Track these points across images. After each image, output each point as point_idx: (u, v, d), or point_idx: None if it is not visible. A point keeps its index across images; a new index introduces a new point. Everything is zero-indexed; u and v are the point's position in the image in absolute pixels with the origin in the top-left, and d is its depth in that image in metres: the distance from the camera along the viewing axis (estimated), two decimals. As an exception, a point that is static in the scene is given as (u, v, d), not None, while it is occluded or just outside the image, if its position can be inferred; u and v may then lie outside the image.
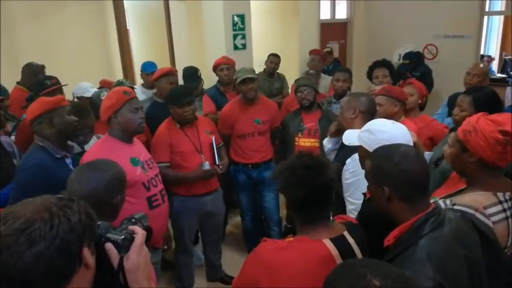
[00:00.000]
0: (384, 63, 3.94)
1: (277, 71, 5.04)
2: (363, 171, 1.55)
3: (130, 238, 0.98)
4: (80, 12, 5.20)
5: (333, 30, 6.85)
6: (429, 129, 3.00)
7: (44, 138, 2.25)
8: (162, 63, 4.59)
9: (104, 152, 2.16)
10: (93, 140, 2.74)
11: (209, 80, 4.36)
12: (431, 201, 1.43)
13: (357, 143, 1.76)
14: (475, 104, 2.43)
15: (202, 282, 3.50)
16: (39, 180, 2.07)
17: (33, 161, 2.19)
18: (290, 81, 4.80)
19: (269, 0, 6.22)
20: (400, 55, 6.16)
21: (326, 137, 3.29)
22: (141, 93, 4.01)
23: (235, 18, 4.71)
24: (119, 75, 5.34)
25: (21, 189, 2.10)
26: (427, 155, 2.40)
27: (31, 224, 0.79)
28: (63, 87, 3.46)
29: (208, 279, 3.52)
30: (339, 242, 1.41)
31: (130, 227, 1.02)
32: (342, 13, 7.06)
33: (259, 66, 5.08)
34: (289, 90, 4.85)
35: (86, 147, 2.68)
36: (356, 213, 2.04)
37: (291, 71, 5.74)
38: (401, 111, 2.84)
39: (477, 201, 1.55)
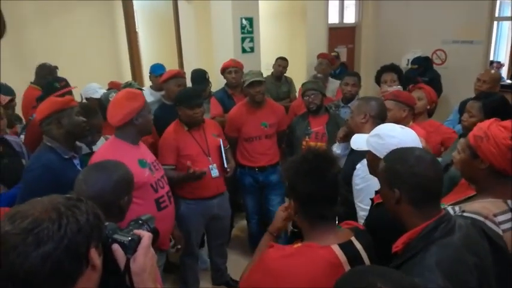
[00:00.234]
0: (393, 68, 3.93)
1: (284, 74, 5.04)
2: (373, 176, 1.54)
3: (137, 240, 0.98)
4: (88, 13, 5.24)
5: (341, 34, 6.84)
6: (438, 134, 2.98)
7: (53, 139, 2.26)
8: (171, 66, 4.60)
9: (113, 153, 2.16)
10: (101, 141, 2.75)
11: (217, 82, 4.37)
12: (440, 207, 1.41)
13: (365, 148, 1.75)
14: (485, 110, 2.42)
15: (208, 286, 3.49)
16: (47, 181, 2.08)
17: (41, 161, 2.20)
18: (297, 85, 4.80)
19: (277, 4, 6.22)
20: (408, 60, 6.13)
21: (333, 141, 3.29)
22: (149, 95, 4.03)
23: (244, 21, 4.72)
24: (127, 77, 5.37)
25: (29, 190, 2.11)
26: (436, 161, 2.37)
27: (39, 223, 0.79)
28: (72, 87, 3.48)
29: (213, 283, 3.51)
30: (347, 247, 1.40)
31: (136, 231, 1.01)
32: (350, 17, 7.04)
33: (267, 70, 5.08)
34: (297, 94, 4.85)
35: (94, 148, 2.69)
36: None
37: (298, 74, 5.73)
38: (409, 116, 2.82)
39: (487, 209, 1.53)
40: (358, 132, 2.09)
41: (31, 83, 4.00)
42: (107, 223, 0.98)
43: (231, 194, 3.39)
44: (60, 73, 4.03)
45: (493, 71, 3.79)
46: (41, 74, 3.98)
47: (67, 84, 3.46)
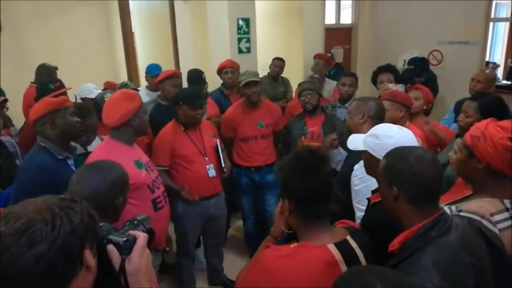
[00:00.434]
0: (389, 68, 3.93)
1: (281, 75, 5.04)
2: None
3: (132, 240, 0.97)
4: (85, 14, 5.22)
5: (338, 35, 6.85)
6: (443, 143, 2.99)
7: (47, 139, 2.24)
8: (167, 66, 4.59)
9: (109, 155, 2.14)
10: (96, 141, 2.74)
11: (213, 83, 4.36)
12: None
13: (362, 148, 1.74)
14: (481, 110, 2.42)
15: (204, 286, 3.48)
16: (41, 181, 2.06)
17: (34, 161, 2.18)
18: (294, 86, 4.80)
19: (274, 4, 6.22)
20: (405, 61, 6.14)
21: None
22: (145, 95, 4.01)
23: (240, 22, 4.72)
24: (123, 77, 5.36)
25: (22, 190, 2.09)
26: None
27: (32, 224, 0.78)
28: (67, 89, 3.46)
29: (209, 283, 3.50)
30: (343, 246, 1.39)
31: (131, 232, 1.01)
32: (346, 18, 7.05)
33: (263, 70, 5.08)
34: (293, 94, 4.84)
35: (89, 148, 2.67)
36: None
37: (295, 75, 5.73)
38: (406, 116, 2.82)
39: (484, 208, 1.53)
40: (356, 133, 2.08)
41: (31, 83, 3.99)
42: (101, 224, 0.97)
43: (228, 194, 3.39)
44: (57, 73, 4.02)
45: (487, 71, 3.80)
46: (40, 74, 3.97)
47: (62, 86, 3.44)
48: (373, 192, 1.71)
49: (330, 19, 6.72)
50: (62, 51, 4.74)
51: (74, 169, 2.24)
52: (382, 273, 0.95)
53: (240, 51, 4.79)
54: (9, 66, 4.16)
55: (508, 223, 1.52)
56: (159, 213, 2.36)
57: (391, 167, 1.36)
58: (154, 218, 2.27)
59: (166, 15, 5.35)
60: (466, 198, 1.68)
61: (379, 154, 1.55)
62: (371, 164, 1.67)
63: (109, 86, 3.81)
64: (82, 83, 3.76)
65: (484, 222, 1.48)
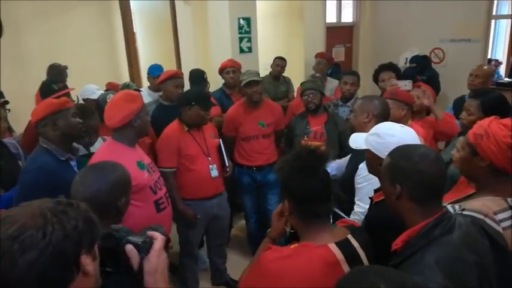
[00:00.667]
0: (390, 67, 3.92)
1: (283, 74, 5.03)
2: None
3: (149, 242, 1.01)
4: (86, 14, 5.24)
5: (339, 33, 6.84)
6: (431, 127, 3.01)
7: (49, 141, 2.23)
8: (168, 66, 4.60)
9: (111, 156, 2.13)
10: (99, 142, 2.74)
11: (215, 83, 4.36)
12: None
13: (364, 147, 1.74)
14: (483, 108, 2.42)
15: (207, 286, 3.48)
16: (43, 183, 2.06)
17: (37, 163, 2.18)
18: (296, 85, 4.80)
19: (275, 3, 6.21)
20: (406, 59, 6.12)
21: (332, 140, 3.29)
22: (147, 96, 4.02)
23: (241, 21, 4.71)
24: (125, 78, 5.36)
25: (25, 192, 2.09)
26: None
27: (24, 230, 0.78)
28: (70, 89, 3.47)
29: (213, 283, 3.50)
30: (344, 246, 1.39)
31: (150, 233, 1.04)
32: (348, 16, 7.04)
33: (265, 70, 5.07)
34: (295, 93, 4.84)
35: (92, 149, 2.67)
36: (362, 216, 2.04)
37: (296, 74, 5.73)
38: (408, 115, 2.82)
39: (487, 207, 1.52)
40: (361, 132, 2.08)
41: (43, 82, 4.01)
42: (119, 226, 1.00)
43: (230, 194, 3.39)
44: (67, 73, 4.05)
45: (485, 67, 3.80)
46: (51, 73, 3.99)
47: (64, 87, 3.45)
48: (376, 191, 1.71)
49: (331, 18, 6.71)
50: (63, 52, 4.75)
51: (77, 170, 2.24)
52: (385, 273, 0.95)
53: (241, 50, 4.78)
54: (9, 66, 4.17)
55: (511, 221, 1.51)
56: (161, 214, 2.35)
57: (395, 165, 1.35)
58: (157, 219, 2.30)
59: (168, 15, 5.35)
60: (469, 197, 1.68)
61: (382, 153, 1.55)
62: (373, 162, 1.67)
63: (111, 87, 3.82)
64: (84, 84, 3.77)
65: (488, 220, 1.48)
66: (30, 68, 4.10)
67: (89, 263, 0.86)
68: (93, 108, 2.88)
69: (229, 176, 3.24)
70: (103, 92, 3.56)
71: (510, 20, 6.42)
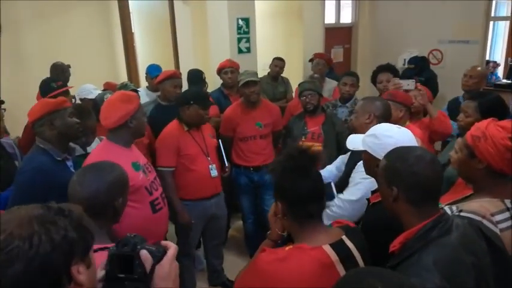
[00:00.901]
0: (388, 68, 3.92)
1: (281, 74, 5.03)
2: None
3: (162, 250, 1.03)
4: (84, 14, 5.23)
5: (338, 34, 6.84)
6: (429, 127, 3.01)
7: (45, 140, 2.22)
8: (167, 66, 4.59)
9: (106, 157, 2.12)
10: (96, 142, 2.73)
11: (213, 83, 4.36)
12: (436, 207, 1.40)
13: (361, 148, 1.74)
14: (481, 109, 2.41)
15: (204, 287, 3.47)
16: (39, 183, 2.05)
17: (33, 163, 2.16)
18: (294, 85, 4.79)
19: (274, 4, 6.21)
20: (405, 60, 6.13)
21: (329, 141, 3.29)
22: (145, 96, 4.02)
23: (240, 22, 4.71)
24: (123, 78, 5.35)
25: (20, 192, 2.08)
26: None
27: (10, 242, 0.76)
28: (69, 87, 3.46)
29: (210, 284, 3.49)
30: (339, 247, 1.39)
31: (163, 242, 1.07)
32: (346, 17, 7.04)
33: (263, 70, 5.07)
34: (293, 94, 4.84)
35: (89, 149, 2.66)
36: (338, 206, 2.12)
37: (295, 75, 5.72)
38: (406, 116, 2.82)
39: (484, 208, 1.52)
40: (362, 133, 2.09)
41: (43, 80, 3.99)
42: (134, 234, 1.01)
43: (227, 194, 3.38)
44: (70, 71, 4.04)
45: (479, 68, 3.81)
46: (54, 72, 3.98)
47: (64, 85, 3.44)
48: (373, 192, 1.71)
49: (329, 18, 6.70)
50: (62, 52, 4.73)
51: (73, 170, 2.23)
52: (383, 275, 0.95)
53: (240, 51, 4.78)
54: (9, 66, 4.16)
55: (508, 223, 1.51)
56: (157, 215, 2.35)
57: (390, 167, 1.35)
58: (153, 220, 2.29)
59: (166, 15, 5.34)
60: (466, 198, 1.68)
61: (379, 154, 1.55)
62: (370, 164, 1.67)
63: (109, 87, 3.81)
64: (82, 84, 3.77)
65: (485, 222, 1.48)
66: (30, 68, 4.09)
67: (82, 272, 0.84)
68: (91, 108, 2.87)
69: (226, 177, 3.23)
70: (100, 91, 3.56)
71: (508, 21, 6.43)
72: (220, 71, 4.10)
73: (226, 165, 3.12)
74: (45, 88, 3.33)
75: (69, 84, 3.65)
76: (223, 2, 4.55)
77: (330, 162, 2.77)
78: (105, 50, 5.61)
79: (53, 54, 4.46)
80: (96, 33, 5.44)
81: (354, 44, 7.12)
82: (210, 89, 4.20)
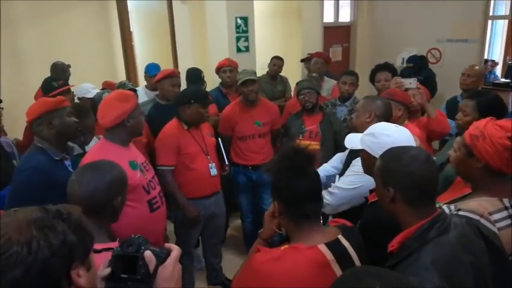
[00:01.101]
0: (386, 67, 3.92)
1: (280, 73, 5.03)
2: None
3: (166, 252, 1.04)
4: (83, 13, 5.22)
5: (336, 33, 6.84)
6: (427, 126, 3.00)
7: (44, 140, 2.21)
8: (165, 65, 4.58)
9: (103, 156, 2.10)
10: (94, 141, 2.73)
11: (212, 82, 4.35)
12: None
13: (359, 147, 1.74)
14: (479, 108, 2.41)
15: (203, 286, 3.47)
16: (36, 183, 2.05)
17: (31, 162, 2.15)
18: (293, 84, 4.79)
19: (273, 3, 6.21)
20: (403, 59, 6.14)
21: (327, 140, 3.29)
22: (143, 95, 4.01)
23: (239, 21, 4.71)
24: (121, 77, 5.35)
25: (18, 191, 2.07)
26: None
27: (10, 247, 0.76)
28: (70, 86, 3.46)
29: (208, 283, 3.49)
30: (334, 246, 1.38)
31: (167, 245, 1.08)
32: (345, 16, 7.04)
33: (262, 69, 5.07)
34: (292, 93, 4.84)
35: (87, 148, 2.66)
36: (328, 192, 2.13)
37: (294, 74, 5.72)
38: (404, 115, 2.82)
39: (482, 207, 1.52)
40: (362, 132, 2.09)
41: (45, 79, 3.99)
42: (138, 235, 1.01)
43: (226, 193, 3.38)
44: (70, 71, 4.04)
45: (477, 67, 3.82)
46: (55, 72, 3.98)
47: (65, 84, 3.44)
48: (371, 191, 1.71)
49: (328, 17, 6.71)
50: (61, 51, 4.72)
51: (71, 170, 2.22)
52: (381, 274, 0.95)
53: (239, 50, 4.78)
54: (8, 66, 4.16)
55: (506, 222, 1.51)
56: (155, 214, 2.34)
57: (385, 168, 1.36)
58: (150, 219, 2.29)
59: (165, 14, 5.34)
60: (465, 197, 1.68)
61: (377, 153, 1.55)
62: (369, 163, 1.67)
63: (107, 86, 3.80)
64: (80, 83, 3.76)
65: (483, 221, 1.47)
66: (28, 67, 4.08)
67: (82, 275, 0.84)
68: (89, 108, 2.87)
69: (225, 176, 3.23)
70: (99, 91, 3.55)
71: (507, 20, 6.44)
72: (218, 70, 4.10)
73: (226, 163, 3.11)
74: (47, 87, 3.33)
75: (70, 83, 3.64)
76: (222, 1, 4.56)
77: (327, 161, 2.77)
78: (103, 49, 5.60)
79: (51, 53, 4.46)
80: (94, 32, 5.43)
81: (352, 43, 7.13)
82: (209, 87, 4.20)
